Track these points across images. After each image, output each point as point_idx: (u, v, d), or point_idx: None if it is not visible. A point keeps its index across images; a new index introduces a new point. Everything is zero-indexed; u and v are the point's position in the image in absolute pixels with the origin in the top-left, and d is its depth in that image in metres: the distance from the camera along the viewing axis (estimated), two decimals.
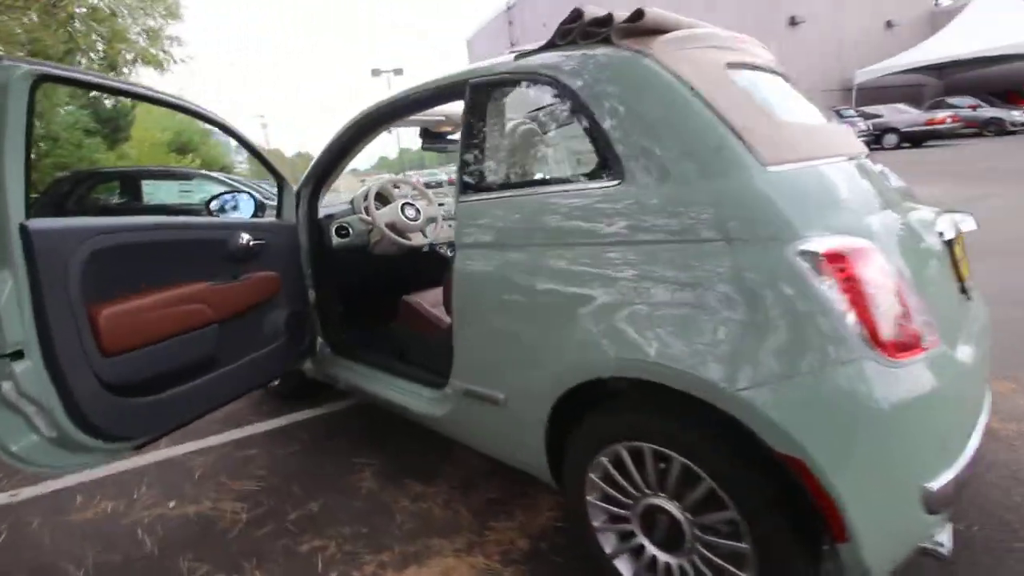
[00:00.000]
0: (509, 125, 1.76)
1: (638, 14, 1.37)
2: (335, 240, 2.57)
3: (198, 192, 7.01)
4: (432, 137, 2.77)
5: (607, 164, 1.35)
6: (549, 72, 1.48)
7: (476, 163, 1.67)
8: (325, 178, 2.46)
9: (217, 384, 1.92)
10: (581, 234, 1.36)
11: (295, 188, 2.42)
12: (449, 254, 2.80)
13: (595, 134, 1.37)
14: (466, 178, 1.68)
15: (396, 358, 2.38)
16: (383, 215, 2.59)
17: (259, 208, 2.39)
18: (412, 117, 2.33)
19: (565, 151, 1.69)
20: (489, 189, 1.63)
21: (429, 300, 2.38)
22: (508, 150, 1.71)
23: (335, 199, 2.84)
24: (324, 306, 2.52)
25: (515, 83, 1.62)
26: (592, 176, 1.38)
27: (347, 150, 2.36)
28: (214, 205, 2.38)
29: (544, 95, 1.57)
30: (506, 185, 1.61)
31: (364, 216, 2.61)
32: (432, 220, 2.76)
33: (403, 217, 2.59)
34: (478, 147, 1.67)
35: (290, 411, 2.81)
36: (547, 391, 1.42)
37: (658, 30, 1.42)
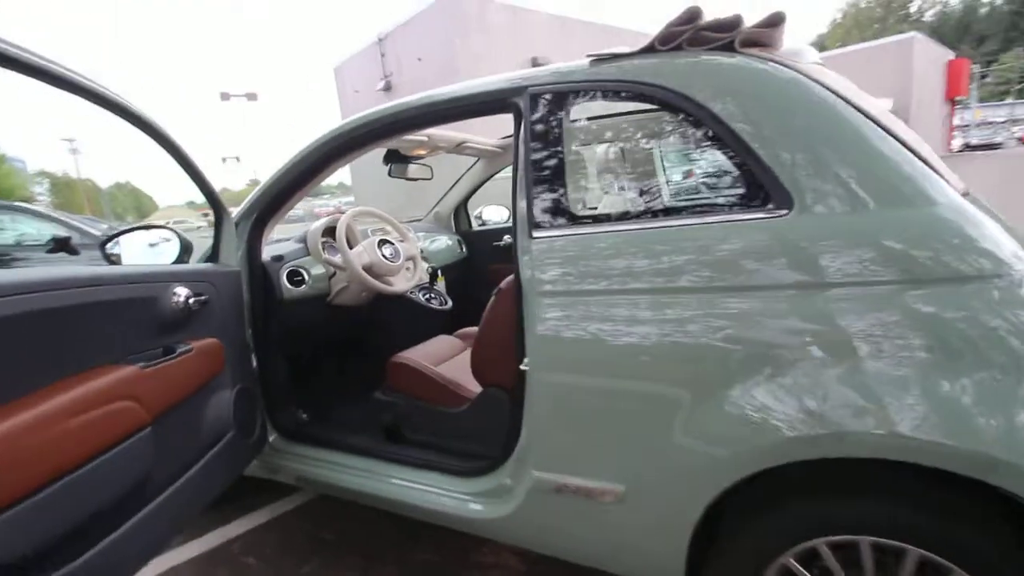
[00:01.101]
0: (602, 145, 1.44)
1: (778, 18, 1.16)
2: (286, 289, 1.97)
3: (9, 231, 5.42)
4: (401, 160, 2.32)
5: (763, 190, 1.10)
6: (659, 81, 1.21)
7: (554, 191, 1.32)
8: (274, 210, 1.88)
9: (156, 521, 1.26)
10: (746, 275, 1.08)
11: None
12: (430, 302, 2.33)
13: (739, 155, 1.12)
14: (539, 210, 1.32)
15: (388, 439, 1.85)
16: (358, 255, 2.06)
17: (185, 251, 1.73)
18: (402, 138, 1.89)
19: (690, 174, 1.41)
20: (580, 222, 1.29)
21: (431, 358, 1.91)
22: (607, 173, 1.39)
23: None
24: (273, 378, 1.90)
25: (601, 92, 1.31)
26: (743, 205, 1.12)
27: (309, 176, 1.82)
28: (113, 248, 1.66)
29: (643, 107, 1.29)
30: (611, 218, 1.28)
31: (331, 258, 2.06)
32: (411, 259, 2.28)
33: (382, 257, 2.09)
34: (555, 171, 1.33)
35: (221, 523, 2.07)
36: (706, 481, 1.10)
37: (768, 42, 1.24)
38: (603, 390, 1.22)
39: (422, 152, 2.31)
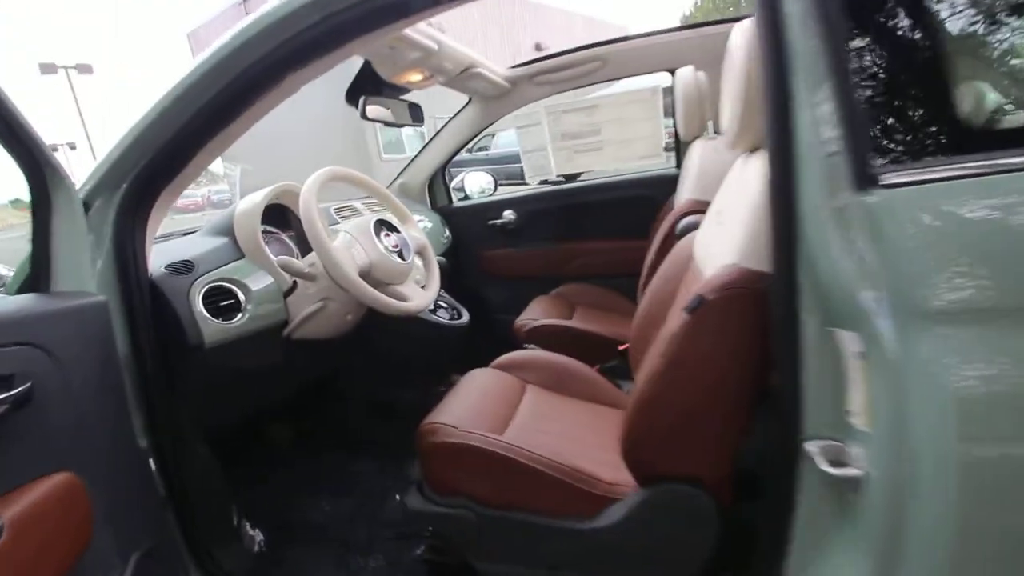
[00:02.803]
0: None
1: None
2: (208, 325, 1.03)
3: None
4: (380, 93, 1.41)
5: None
6: None
7: (918, 91, 0.58)
8: (162, 178, 0.94)
9: None
10: None
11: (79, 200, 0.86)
12: (438, 313, 1.47)
13: None
14: (883, 135, 0.58)
15: None
16: (346, 251, 1.14)
17: None
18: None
19: None
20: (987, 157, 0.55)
21: (487, 419, 1.11)
22: None
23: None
24: (197, 497, 0.99)
25: None
26: None
27: (229, 108, 0.91)
28: None
29: None
30: None
31: (289, 261, 1.13)
32: (421, 253, 1.38)
33: (386, 253, 1.19)
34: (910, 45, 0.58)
35: None
36: None
37: None
38: None
39: (415, 78, 1.42)
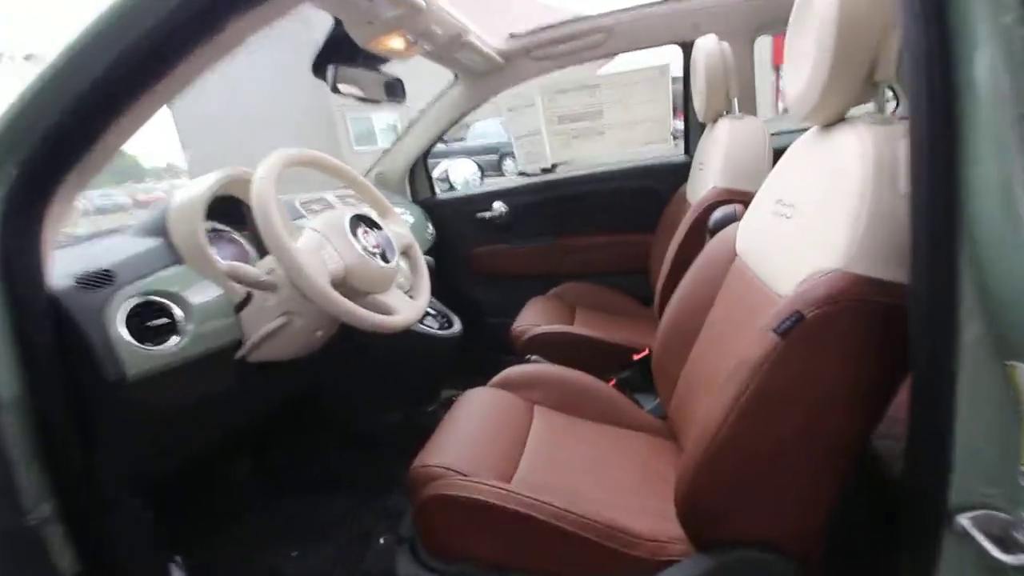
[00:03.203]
0: None
1: None
2: (131, 352, 0.79)
3: None
4: (364, 62, 1.17)
5: None
6: None
7: None
8: (66, 158, 0.70)
9: None
10: None
11: None
12: (425, 320, 1.25)
13: None
14: None
15: None
16: (315, 255, 0.89)
17: None
18: None
19: None
20: None
21: (496, 456, 0.91)
22: None
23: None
24: (133, 561, 0.77)
25: None
26: None
27: (145, 78, 0.68)
28: None
29: None
30: None
31: (239, 267, 0.89)
32: (407, 253, 1.15)
33: (366, 254, 0.95)
34: None
35: None
36: None
37: None
38: None
39: (395, 45, 1.18)
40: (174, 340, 0.84)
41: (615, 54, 1.66)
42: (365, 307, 0.92)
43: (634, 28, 1.60)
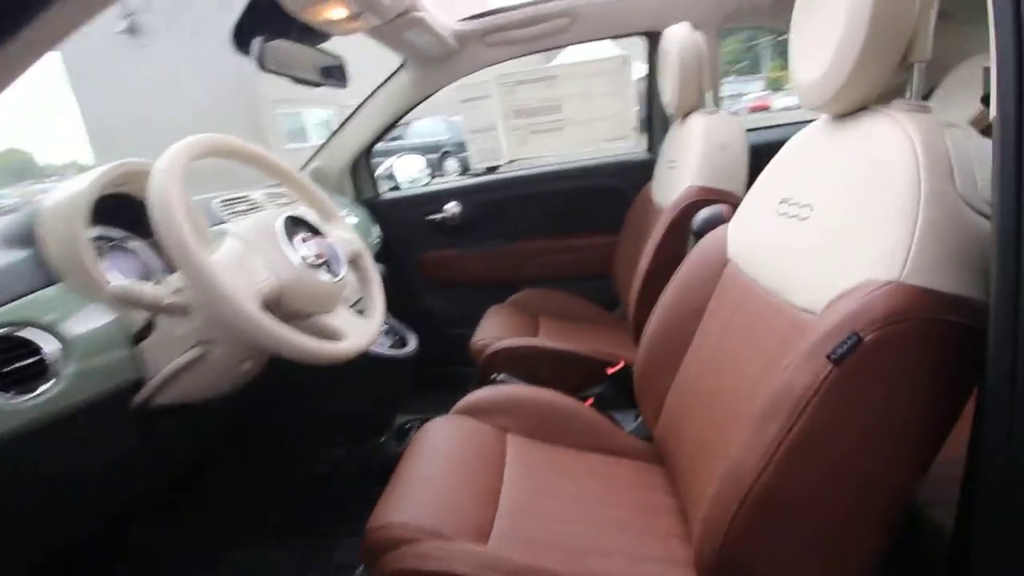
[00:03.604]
0: None
1: None
2: None
3: None
4: (297, 36, 0.98)
5: None
6: None
7: None
8: None
9: None
10: None
11: None
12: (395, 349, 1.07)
13: None
14: None
15: None
16: (239, 269, 0.70)
17: None
18: None
19: None
20: None
21: (471, 521, 0.75)
22: None
23: None
24: None
25: None
26: None
27: None
28: None
29: None
30: None
31: (131, 288, 0.68)
32: (355, 262, 0.96)
33: (305, 265, 0.77)
34: None
35: None
36: None
37: None
38: None
39: (336, 15, 1.00)
40: (44, 388, 0.63)
41: (580, 42, 1.55)
42: (306, 332, 0.74)
43: (601, 13, 1.49)
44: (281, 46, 1.02)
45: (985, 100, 0.45)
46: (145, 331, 0.72)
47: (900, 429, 0.50)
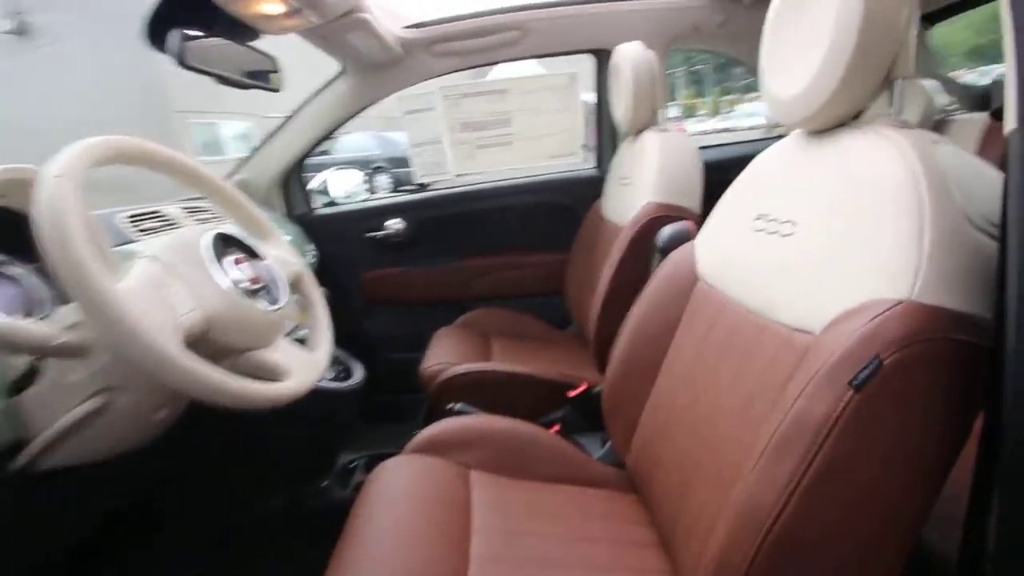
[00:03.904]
0: None
1: None
2: None
3: None
4: (222, 31, 0.86)
5: None
6: None
7: None
8: None
9: None
10: None
11: None
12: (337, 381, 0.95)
13: None
14: None
15: None
16: (150, 296, 0.56)
17: None
18: None
19: None
20: None
21: None
22: None
23: None
24: None
25: None
26: None
27: None
28: None
29: None
30: None
31: (32, 331, 0.53)
32: (296, 284, 0.83)
33: (238, 293, 0.64)
34: None
35: None
36: None
37: None
38: None
39: (271, 10, 0.89)
40: None
41: (529, 57, 1.52)
42: (240, 372, 0.63)
43: (551, 29, 1.46)
44: (204, 41, 0.89)
45: (996, 114, 0.43)
46: (26, 380, 0.58)
47: (916, 452, 0.49)
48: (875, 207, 0.52)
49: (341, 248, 1.69)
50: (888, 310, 0.47)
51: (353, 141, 8.22)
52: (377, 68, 1.43)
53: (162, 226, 0.89)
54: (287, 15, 0.93)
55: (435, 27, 1.41)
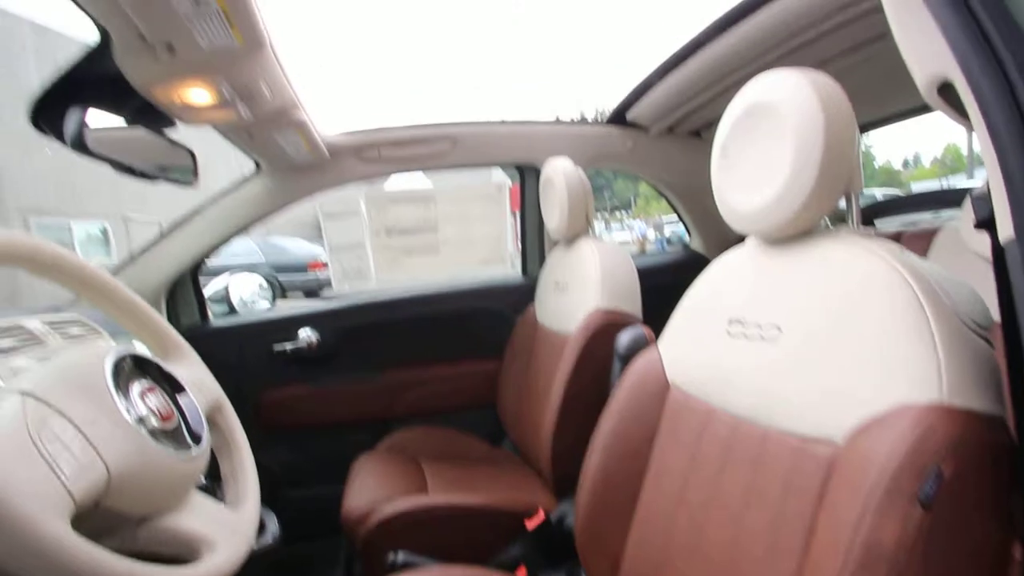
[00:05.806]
0: None
1: None
2: None
3: None
4: (132, 115, 0.72)
5: None
6: None
7: None
8: None
9: None
10: None
11: None
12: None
13: None
14: None
15: None
16: (19, 451, 0.36)
17: None
18: None
19: None
20: None
21: None
22: None
23: None
24: None
25: None
26: None
27: None
28: None
29: None
30: None
31: None
32: (217, 415, 0.63)
33: (147, 436, 0.45)
34: None
35: None
36: None
37: None
38: None
39: (198, 101, 0.78)
40: None
41: (457, 167, 1.52)
42: (143, 545, 0.43)
43: (480, 144, 1.50)
44: (108, 131, 0.75)
45: (981, 225, 0.45)
46: None
47: (976, 561, 0.46)
48: (874, 311, 0.53)
49: (237, 365, 1.45)
50: (926, 416, 0.46)
51: (236, 245, 7.72)
52: (298, 169, 1.34)
53: (22, 345, 0.67)
54: (214, 107, 0.82)
55: (368, 133, 1.37)
